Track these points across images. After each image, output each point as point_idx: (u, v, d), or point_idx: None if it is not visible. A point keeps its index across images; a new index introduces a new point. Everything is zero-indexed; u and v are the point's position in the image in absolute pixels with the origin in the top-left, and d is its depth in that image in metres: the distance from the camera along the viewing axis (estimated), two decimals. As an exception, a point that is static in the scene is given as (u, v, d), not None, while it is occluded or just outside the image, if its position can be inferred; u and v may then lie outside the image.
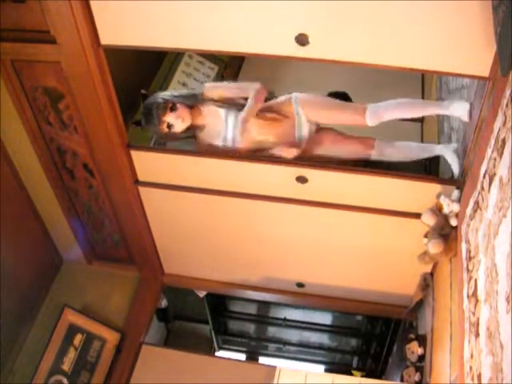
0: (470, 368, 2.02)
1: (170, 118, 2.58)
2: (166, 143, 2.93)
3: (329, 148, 2.78)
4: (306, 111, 2.67)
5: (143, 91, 2.69)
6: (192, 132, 2.73)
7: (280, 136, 2.69)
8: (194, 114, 2.65)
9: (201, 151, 2.81)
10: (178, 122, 2.60)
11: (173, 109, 2.58)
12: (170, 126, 2.60)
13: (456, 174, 2.59)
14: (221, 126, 2.66)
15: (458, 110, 2.50)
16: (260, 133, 2.69)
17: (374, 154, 2.76)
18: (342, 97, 2.87)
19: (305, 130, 2.70)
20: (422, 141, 3.68)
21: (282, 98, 2.73)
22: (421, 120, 3.72)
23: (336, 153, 2.78)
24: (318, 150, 2.78)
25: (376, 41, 2.18)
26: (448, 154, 2.63)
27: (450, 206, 2.54)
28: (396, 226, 2.92)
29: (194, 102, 2.65)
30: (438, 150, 2.72)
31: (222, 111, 2.65)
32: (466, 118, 2.48)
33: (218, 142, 2.69)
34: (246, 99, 2.68)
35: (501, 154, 1.87)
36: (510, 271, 1.64)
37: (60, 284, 3.81)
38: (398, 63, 2.24)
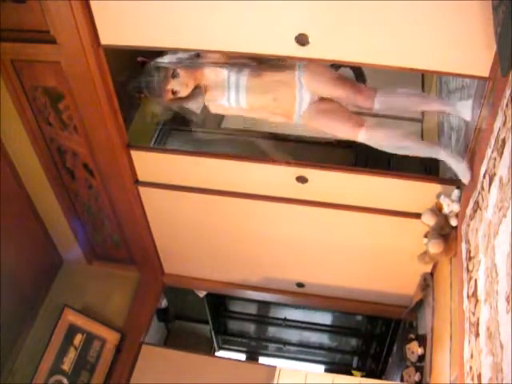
0: (470, 368, 2.02)
1: (173, 85, 2.50)
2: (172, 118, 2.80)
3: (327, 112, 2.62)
4: (309, 82, 2.53)
5: (140, 58, 2.55)
6: (199, 94, 2.61)
7: (280, 102, 2.56)
8: (196, 75, 2.55)
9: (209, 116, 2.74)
10: (182, 87, 2.51)
11: (174, 75, 2.48)
12: (174, 93, 2.52)
13: (465, 179, 2.41)
14: (224, 86, 2.56)
15: (463, 110, 2.47)
16: (263, 93, 2.56)
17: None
18: (356, 72, 2.77)
19: (305, 101, 2.55)
20: (421, 134, 3.68)
21: (287, 62, 2.59)
22: (421, 120, 3.72)
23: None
24: (316, 118, 2.62)
25: (376, 41, 2.18)
26: (453, 162, 2.47)
27: (450, 206, 2.54)
28: (396, 226, 2.92)
29: (194, 63, 2.54)
30: (443, 155, 2.54)
31: (223, 71, 2.55)
32: (468, 117, 2.45)
33: (223, 102, 2.60)
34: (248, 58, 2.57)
35: (501, 154, 1.87)
36: (510, 271, 1.64)
37: (60, 284, 3.81)
38: (398, 63, 2.24)
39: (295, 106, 2.56)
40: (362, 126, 2.55)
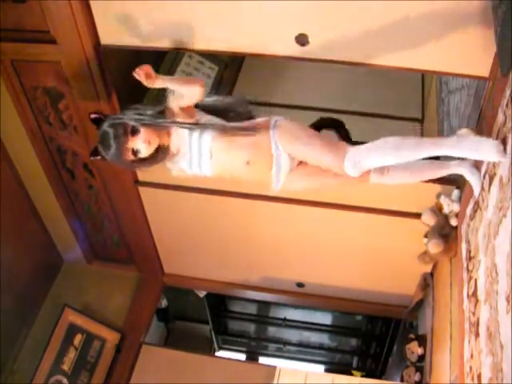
0: (470, 368, 2.02)
1: (133, 143, 2.11)
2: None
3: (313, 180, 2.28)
4: (281, 141, 2.14)
5: (93, 115, 2.20)
6: (164, 155, 2.23)
7: (255, 165, 2.20)
8: (159, 133, 2.17)
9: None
10: (143, 146, 2.12)
11: (134, 131, 2.11)
12: (135, 153, 2.13)
13: (476, 192, 2.18)
14: (185, 150, 2.22)
15: (488, 152, 1.91)
16: (232, 157, 2.20)
17: (374, 178, 2.22)
18: (336, 127, 2.43)
19: (284, 162, 2.17)
20: (421, 134, 3.67)
21: (260, 120, 2.21)
22: (420, 120, 3.72)
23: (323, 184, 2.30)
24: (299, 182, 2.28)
25: (376, 41, 2.18)
26: (466, 172, 2.20)
27: (450, 206, 2.54)
28: (396, 226, 2.92)
29: (155, 121, 2.17)
30: (454, 167, 2.25)
31: (185, 132, 2.19)
32: (501, 158, 1.88)
33: (185, 168, 2.28)
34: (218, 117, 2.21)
35: (501, 154, 1.87)
36: (510, 271, 1.64)
37: (60, 284, 3.82)
38: (398, 63, 2.24)
39: (273, 169, 2.19)
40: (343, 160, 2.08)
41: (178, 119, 2.16)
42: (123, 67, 2.71)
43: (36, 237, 3.58)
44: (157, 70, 3.67)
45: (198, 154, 2.21)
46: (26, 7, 2.37)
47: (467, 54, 2.13)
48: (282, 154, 2.16)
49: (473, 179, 2.16)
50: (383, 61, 2.24)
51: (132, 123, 2.11)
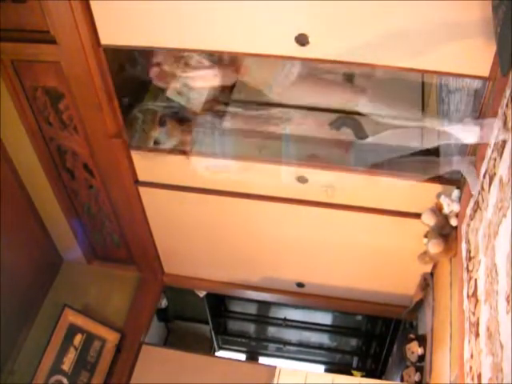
0: (470, 368, 2.02)
1: (157, 133, 2.28)
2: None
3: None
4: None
5: (125, 99, 2.33)
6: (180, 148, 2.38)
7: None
8: (183, 129, 2.32)
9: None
10: (166, 139, 2.30)
11: (162, 123, 2.27)
12: (156, 142, 2.30)
13: (473, 189, 2.24)
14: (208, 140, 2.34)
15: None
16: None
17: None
18: (354, 126, 2.56)
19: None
20: (421, 138, 3.67)
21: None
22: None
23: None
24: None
25: (376, 41, 2.18)
26: (464, 168, 2.28)
27: (450, 206, 2.54)
28: (396, 226, 2.92)
29: (184, 116, 2.30)
30: (454, 162, 2.35)
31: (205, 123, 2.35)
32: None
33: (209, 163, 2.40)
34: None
35: (501, 154, 1.87)
36: (510, 271, 1.64)
37: (60, 284, 3.81)
38: (398, 63, 2.24)
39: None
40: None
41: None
42: (123, 67, 2.72)
43: (36, 237, 3.58)
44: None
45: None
46: (25, 7, 2.37)
47: (467, 54, 2.13)
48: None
49: (469, 177, 2.20)
50: (383, 61, 2.24)
51: (162, 114, 2.22)
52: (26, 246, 3.50)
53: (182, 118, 2.28)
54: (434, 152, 3.27)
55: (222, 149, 2.32)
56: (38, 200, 3.45)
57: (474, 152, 2.33)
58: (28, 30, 2.46)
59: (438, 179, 2.70)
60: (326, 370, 5.98)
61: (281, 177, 2.68)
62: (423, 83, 3.89)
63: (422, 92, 3.89)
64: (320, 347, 6.19)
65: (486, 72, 2.14)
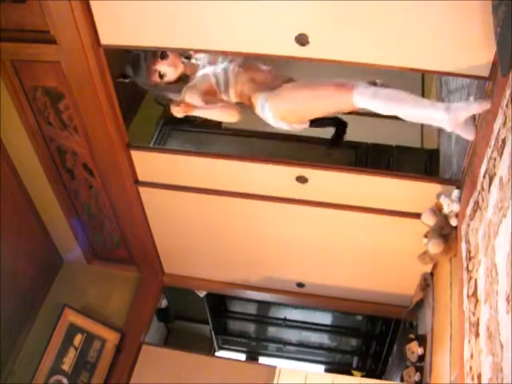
0: (470, 368, 2.02)
1: (161, 66, 2.41)
2: (161, 100, 2.67)
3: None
4: (273, 106, 2.42)
5: (119, 78, 2.54)
6: (185, 83, 2.51)
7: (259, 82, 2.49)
8: (184, 63, 2.50)
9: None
10: (170, 69, 2.43)
11: (163, 56, 2.41)
12: (161, 76, 2.42)
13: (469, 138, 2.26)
14: (209, 73, 2.50)
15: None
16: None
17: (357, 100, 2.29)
18: (336, 124, 2.58)
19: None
20: (421, 134, 3.67)
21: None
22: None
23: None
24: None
25: (376, 41, 2.18)
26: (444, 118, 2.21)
27: (450, 206, 2.54)
28: (396, 226, 2.92)
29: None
30: (435, 110, 2.22)
31: (208, 69, 2.49)
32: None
33: (210, 72, 2.52)
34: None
35: (501, 154, 1.87)
36: (510, 271, 1.64)
37: (60, 284, 3.81)
38: (398, 63, 2.24)
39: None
40: (352, 90, 2.27)
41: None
42: (123, 67, 2.72)
43: (36, 237, 3.58)
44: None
45: (224, 77, 2.44)
46: (26, 7, 2.37)
47: (467, 54, 2.13)
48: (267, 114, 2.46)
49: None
50: (383, 61, 2.24)
51: (162, 49, 2.34)
52: (26, 246, 3.50)
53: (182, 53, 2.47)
54: (435, 151, 3.29)
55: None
56: (37, 200, 3.45)
57: (473, 151, 2.33)
58: (28, 30, 2.46)
59: (438, 179, 2.71)
60: (326, 370, 5.99)
61: (280, 175, 2.73)
62: (423, 83, 3.90)
63: (422, 92, 3.90)
64: (320, 347, 6.19)
65: (486, 72, 2.14)
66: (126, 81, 2.48)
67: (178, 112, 2.35)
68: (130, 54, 2.43)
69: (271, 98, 2.41)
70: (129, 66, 2.43)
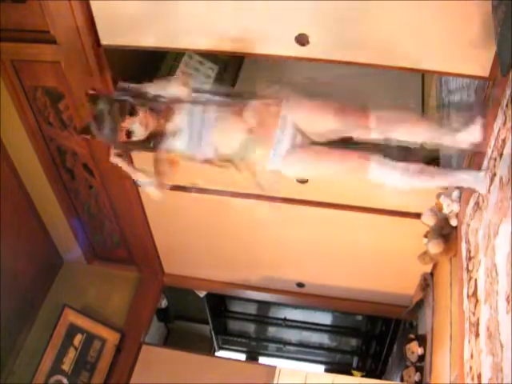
0: (470, 368, 2.02)
1: (129, 124, 2.04)
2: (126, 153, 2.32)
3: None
4: (296, 115, 2.09)
5: (90, 91, 2.15)
6: (158, 140, 2.14)
7: (257, 132, 2.09)
8: (157, 116, 2.10)
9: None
10: (139, 128, 2.06)
11: (132, 112, 2.04)
12: (129, 134, 2.07)
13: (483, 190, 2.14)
14: (183, 127, 2.11)
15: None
16: (233, 128, 2.10)
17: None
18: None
19: (286, 141, 2.08)
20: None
21: (267, 95, 2.12)
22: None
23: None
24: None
25: (376, 41, 2.18)
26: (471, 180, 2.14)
27: (449, 206, 2.53)
28: (396, 226, 2.92)
29: (154, 103, 2.10)
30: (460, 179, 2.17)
31: (185, 111, 2.10)
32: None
33: (182, 148, 2.14)
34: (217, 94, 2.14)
35: (501, 154, 1.87)
36: (510, 271, 1.64)
37: (60, 284, 3.81)
38: (398, 63, 2.24)
39: (273, 139, 2.08)
40: (369, 160, 2.11)
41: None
42: (123, 67, 2.72)
43: (36, 237, 3.58)
44: (157, 70, 3.67)
45: (199, 130, 2.09)
46: (26, 7, 2.37)
47: (467, 54, 2.13)
48: (288, 127, 2.07)
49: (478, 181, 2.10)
50: (383, 61, 2.24)
51: (131, 103, 2.02)
52: (26, 246, 3.50)
53: (155, 109, 2.09)
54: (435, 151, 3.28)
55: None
56: (37, 200, 3.45)
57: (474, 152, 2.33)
58: (28, 30, 2.46)
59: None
60: (326, 370, 5.98)
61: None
62: (423, 83, 3.90)
63: (422, 92, 3.90)
64: (320, 347, 6.19)
65: (486, 72, 2.14)
66: (88, 137, 2.18)
67: (115, 162, 2.15)
68: (94, 106, 2.05)
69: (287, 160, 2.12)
70: (94, 119, 2.06)
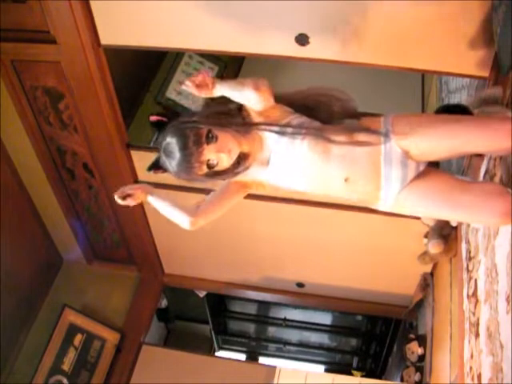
0: (470, 368, 2.02)
1: (209, 153, 1.57)
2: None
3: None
4: (399, 132, 1.56)
5: (153, 117, 1.70)
6: (245, 166, 1.69)
7: (355, 183, 1.62)
8: (239, 139, 1.63)
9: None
10: (223, 156, 1.59)
11: (210, 138, 1.56)
12: (210, 166, 1.60)
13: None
14: (267, 156, 1.68)
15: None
16: (326, 171, 1.63)
17: None
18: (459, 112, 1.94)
19: (395, 177, 1.59)
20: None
21: (368, 120, 1.65)
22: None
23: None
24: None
25: (376, 41, 2.18)
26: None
27: (450, 206, 2.53)
28: (396, 226, 2.92)
29: (235, 123, 1.62)
30: None
31: (270, 138, 1.65)
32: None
33: (266, 179, 1.76)
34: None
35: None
36: (510, 271, 1.64)
37: (60, 284, 3.81)
38: (398, 63, 2.24)
39: (380, 184, 1.60)
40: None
41: (262, 121, 1.64)
42: (123, 67, 2.72)
43: (36, 237, 3.58)
44: (157, 70, 3.64)
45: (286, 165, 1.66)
46: (26, 7, 2.37)
47: (467, 54, 2.13)
48: (394, 165, 1.58)
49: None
50: (383, 61, 2.24)
51: (206, 127, 1.57)
52: (26, 246, 3.50)
53: (235, 128, 1.64)
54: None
55: None
56: (37, 200, 3.45)
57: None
58: (28, 30, 2.46)
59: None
60: (326, 370, 5.99)
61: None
62: (423, 83, 3.90)
63: (422, 92, 3.90)
64: (320, 347, 6.20)
65: (486, 72, 2.14)
66: (160, 172, 1.80)
67: (187, 87, 1.58)
68: (161, 135, 1.67)
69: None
70: (163, 154, 1.68)
